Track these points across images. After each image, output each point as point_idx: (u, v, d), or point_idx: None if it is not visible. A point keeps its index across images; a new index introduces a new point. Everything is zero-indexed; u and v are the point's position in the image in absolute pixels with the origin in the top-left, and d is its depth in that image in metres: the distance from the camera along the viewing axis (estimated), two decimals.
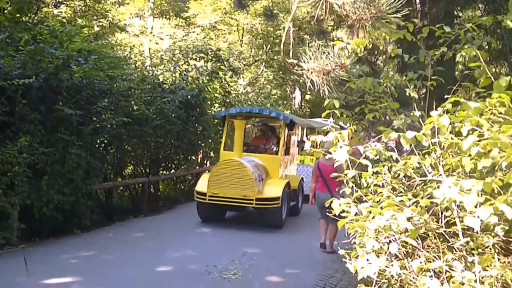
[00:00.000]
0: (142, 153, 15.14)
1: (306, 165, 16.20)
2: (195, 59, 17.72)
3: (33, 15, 13.27)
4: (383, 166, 4.13)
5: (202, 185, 11.49)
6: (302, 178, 14.07)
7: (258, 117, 14.02)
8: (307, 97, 32.35)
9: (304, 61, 4.34)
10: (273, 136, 13.74)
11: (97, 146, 12.00)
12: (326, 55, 4.10)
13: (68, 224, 10.57)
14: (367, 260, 3.20)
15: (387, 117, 4.57)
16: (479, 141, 2.87)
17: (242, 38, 26.97)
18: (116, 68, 12.58)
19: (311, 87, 4.34)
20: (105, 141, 12.55)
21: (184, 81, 15.84)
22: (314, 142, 16.99)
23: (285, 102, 31.65)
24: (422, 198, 3.45)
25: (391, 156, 4.14)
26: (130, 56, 17.40)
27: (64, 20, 14.59)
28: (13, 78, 8.89)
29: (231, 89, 20.41)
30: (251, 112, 13.00)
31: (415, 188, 4.18)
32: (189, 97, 15.03)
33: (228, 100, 19.41)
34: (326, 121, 21.39)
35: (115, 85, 12.38)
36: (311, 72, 4.26)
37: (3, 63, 9.26)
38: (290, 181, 12.39)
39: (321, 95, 4.32)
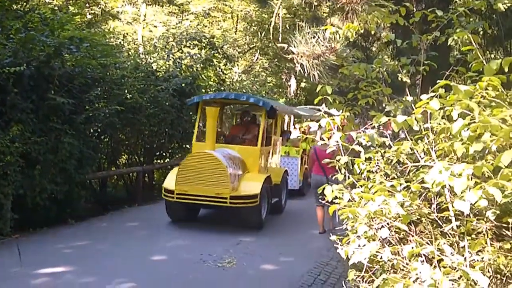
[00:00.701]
0: (136, 142, 15.14)
1: (292, 157, 15.08)
2: (189, 47, 17.67)
3: (24, 3, 13.20)
4: (376, 152, 4.15)
5: (169, 181, 10.35)
6: (286, 171, 12.85)
7: (235, 103, 13.18)
8: (303, 84, 32.29)
9: (294, 46, 4.33)
10: (254, 125, 12.46)
11: (90, 135, 11.99)
12: (316, 39, 4.09)
13: (61, 213, 10.58)
14: (359, 245, 3.22)
15: (381, 103, 4.58)
16: (469, 124, 2.87)
17: (237, 25, 26.88)
18: (109, 56, 12.53)
19: (301, 71, 4.33)
20: (99, 130, 12.54)
21: (178, 69, 15.80)
22: (304, 130, 16.82)
23: (280, 90, 31.61)
24: (413, 183, 3.47)
25: (384, 142, 4.15)
26: (123, 44, 17.33)
27: (56, 8, 14.49)
28: (4, 67, 8.85)
29: (225, 77, 20.37)
30: (227, 98, 11.63)
31: (408, 174, 4.20)
32: (183, 85, 15.01)
33: (222, 88, 19.37)
34: (314, 109, 20.02)
35: (108, 74, 12.35)
36: (301, 57, 4.26)
37: None
38: (271, 176, 11.30)
39: (311, 79, 4.31)
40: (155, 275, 7.45)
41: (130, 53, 16.32)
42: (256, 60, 28.36)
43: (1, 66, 8.89)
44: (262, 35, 26.36)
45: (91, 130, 12.05)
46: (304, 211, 12.94)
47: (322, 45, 4.08)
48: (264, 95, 26.62)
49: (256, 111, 13.37)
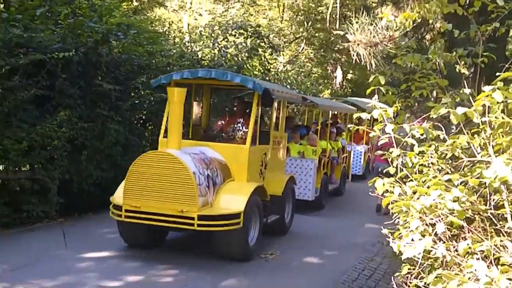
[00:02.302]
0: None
1: (307, 159, 11.93)
2: (235, 36, 17.69)
3: None
4: (429, 146, 4.08)
5: (119, 192, 7.64)
6: (291, 178, 9.91)
7: (218, 85, 9.98)
8: (349, 76, 32.01)
9: (350, 33, 4.28)
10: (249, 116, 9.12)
11: (135, 122, 12.18)
12: (374, 26, 4.04)
13: (106, 199, 10.80)
14: (412, 240, 3.19)
15: (436, 95, 4.50)
16: None
17: (283, 14, 26.78)
18: (155, 44, 12.69)
19: (357, 60, 4.29)
20: (143, 118, 12.71)
21: (223, 58, 15.86)
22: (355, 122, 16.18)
23: (326, 81, 31.42)
24: (470, 178, 3.41)
25: (438, 135, 4.08)
26: (169, 32, 17.50)
27: None
28: (53, 52, 9.07)
29: (270, 67, 20.34)
30: (204, 78, 8.65)
31: (463, 169, 4.12)
32: None
33: (267, 78, 19.36)
34: (333, 99, 17.24)
35: (153, 61, 12.50)
36: (358, 44, 4.21)
37: (43, 37, 9.44)
38: (266, 185, 8.75)
39: (368, 68, 4.26)
40: (199, 259, 7.53)
41: (175, 41, 16.47)
42: (302, 50, 28.23)
43: (50, 51, 9.10)
44: (309, 24, 26.19)
45: (136, 117, 12.23)
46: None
47: (380, 33, 4.02)
48: (308, 86, 26.51)
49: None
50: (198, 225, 7.13)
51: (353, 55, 4.57)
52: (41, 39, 9.38)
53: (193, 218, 7.12)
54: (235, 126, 9.30)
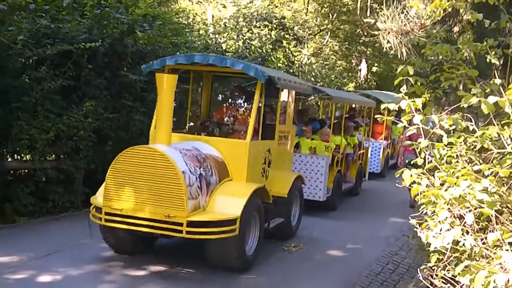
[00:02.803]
0: None
1: (319, 156, 11.01)
2: (259, 27, 17.70)
3: None
4: (458, 137, 4.06)
5: (99, 193, 6.93)
6: (299, 177, 9.10)
7: (220, 73, 9.10)
8: (374, 69, 31.76)
9: (381, 21, 4.25)
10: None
11: None
12: (405, 14, 4.00)
13: None
14: (441, 229, 3.18)
15: (465, 86, 4.45)
16: None
17: (308, 6, 26.65)
18: (179, 35, 12.75)
19: (387, 49, 4.26)
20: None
21: (247, 50, 15.88)
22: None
23: (350, 74, 31.24)
24: (500, 169, 3.38)
25: (467, 127, 4.05)
26: (193, 24, 17.56)
27: None
28: (79, 42, 9.17)
29: (294, 59, 20.30)
30: (201, 64, 7.79)
31: (492, 162, 4.09)
32: None
33: (291, 71, 19.34)
34: (352, 92, 16.59)
35: (178, 52, 12.56)
36: (388, 33, 4.17)
37: (70, 28, 9.56)
38: (270, 186, 7.96)
39: (399, 57, 4.24)
40: None
41: (200, 32, 16.53)
42: (326, 42, 28.10)
43: (76, 42, 9.21)
44: (334, 16, 26.05)
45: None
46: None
47: (411, 21, 3.98)
48: (332, 79, 26.39)
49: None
50: (187, 232, 6.29)
51: (383, 44, 4.53)
52: (67, 30, 9.49)
53: (181, 224, 6.27)
54: (236, 118, 8.58)
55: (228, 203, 6.72)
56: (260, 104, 7.88)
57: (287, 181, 8.58)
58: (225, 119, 8.57)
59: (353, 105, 15.32)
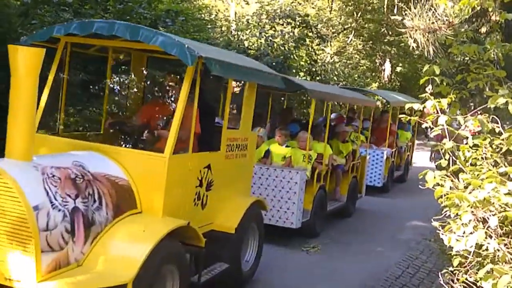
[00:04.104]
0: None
1: (292, 168, 8.62)
2: (282, 25, 17.68)
3: None
4: (484, 139, 4.02)
5: None
6: (258, 203, 6.81)
7: (150, 52, 6.59)
8: (398, 69, 31.59)
9: (408, 19, 4.22)
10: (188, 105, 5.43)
11: None
12: (433, 12, 3.97)
13: None
14: (464, 232, 3.16)
15: (492, 87, 4.41)
16: None
17: (332, 4, 26.58)
18: (202, 32, 12.78)
19: (413, 48, 4.23)
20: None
21: (270, 48, 15.87)
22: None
23: (373, 74, 31.10)
24: None
25: (493, 128, 4.01)
26: (216, 20, 17.61)
27: None
28: None
29: (317, 58, 20.25)
30: (106, 36, 5.44)
31: None
32: (274, 64, 15.06)
33: (314, 69, 19.29)
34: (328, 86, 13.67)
35: None
36: (416, 31, 4.14)
37: None
38: (202, 219, 5.76)
39: (425, 55, 4.21)
40: None
41: (222, 29, 16.57)
42: (350, 41, 27.99)
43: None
44: (358, 15, 25.93)
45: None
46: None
47: (439, 19, 3.95)
48: (356, 78, 26.29)
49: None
50: None
51: (410, 42, 4.49)
52: None
53: None
54: (160, 119, 6.10)
55: (120, 255, 4.44)
56: (191, 98, 5.34)
57: (237, 210, 6.28)
58: (156, 121, 6.07)
59: (354, 106, 13.80)
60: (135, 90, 7.15)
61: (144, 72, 7.12)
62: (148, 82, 7.52)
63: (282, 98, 13.40)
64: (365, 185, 12.15)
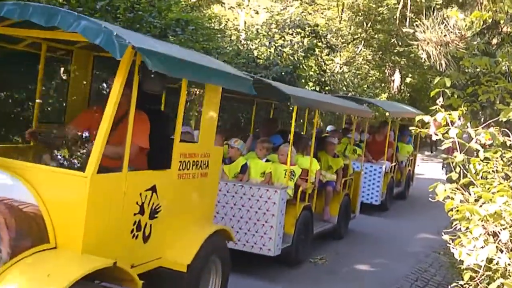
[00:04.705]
0: (232, 129, 15.44)
1: (277, 187, 7.40)
2: (292, 35, 17.73)
3: None
4: (495, 152, 4.01)
5: None
6: (220, 232, 5.65)
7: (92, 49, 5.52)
8: (408, 80, 31.57)
9: (420, 31, 4.22)
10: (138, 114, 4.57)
11: (190, 119, 12.37)
12: (445, 25, 3.97)
13: None
14: (474, 246, 3.15)
15: (504, 100, 4.42)
16: None
17: (342, 14, 26.62)
18: (211, 41, 12.84)
19: (425, 60, 4.24)
20: (196, 114, 12.89)
21: (279, 57, 15.91)
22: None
23: (383, 84, 31.08)
24: None
25: (505, 142, 4.01)
26: (225, 29, 17.67)
27: None
28: None
29: (327, 68, 20.27)
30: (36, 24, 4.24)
31: None
32: (283, 74, 15.09)
33: (323, 79, 19.31)
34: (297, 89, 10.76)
35: None
36: (427, 43, 4.14)
37: None
38: (144, 256, 4.80)
39: (438, 68, 4.21)
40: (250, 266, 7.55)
41: (231, 38, 16.63)
42: (359, 51, 28.01)
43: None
44: (368, 25, 25.96)
45: (190, 114, 12.43)
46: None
47: (451, 32, 3.95)
48: (365, 89, 26.27)
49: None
50: None
51: (421, 54, 4.49)
52: None
53: None
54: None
55: None
56: (124, 102, 4.29)
57: (192, 243, 5.14)
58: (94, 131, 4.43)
59: (352, 117, 12.39)
60: (75, 95, 5.94)
61: (89, 74, 5.97)
62: (93, 85, 6.35)
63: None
64: (359, 204, 11.00)
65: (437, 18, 4.07)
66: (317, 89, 17.96)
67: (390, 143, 13.42)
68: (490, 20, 4.05)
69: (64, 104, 6.12)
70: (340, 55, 25.66)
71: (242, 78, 5.93)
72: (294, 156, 7.98)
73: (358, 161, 11.63)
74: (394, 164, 13.74)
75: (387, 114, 13.21)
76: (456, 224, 3.88)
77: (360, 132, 12.59)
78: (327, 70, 20.25)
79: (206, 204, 5.71)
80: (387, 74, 31.47)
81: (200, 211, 5.57)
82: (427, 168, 22.48)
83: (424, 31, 4.22)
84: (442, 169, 17.96)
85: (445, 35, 4.06)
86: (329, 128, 12.32)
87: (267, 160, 7.98)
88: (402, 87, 32.59)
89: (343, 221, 9.89)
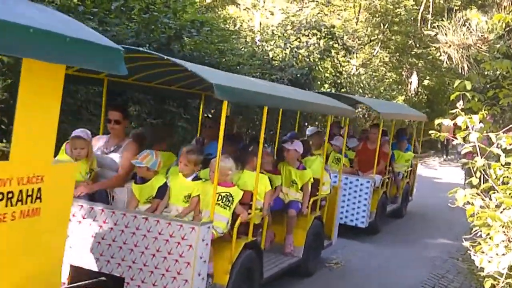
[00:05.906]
0: (247, 132, 15.44)
1: (195, 223, 4.99)
2: (307, 36, 17.71)
3: None
4: None
5: None
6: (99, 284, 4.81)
7: None
8: (426, 82, 31.38)
9: (442, 33, 4.18)
10: None
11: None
12: (467, 27, 3.94)
13: None
14: (496, 254, 3.11)
15: None
16: None
17: (358, 15, 26.54)
18: (226, 42, 12.86)
19: (447, 62, 4.20)
20: (211, 116, 12.91)
21: (295, 59, 15.90)
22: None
23: (400, 87, 30.92)
24: None
25: None
26: (240, 31, 17.71)
27: None
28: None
29: (343, 70, 20.23)
30: None
31: None
32: (298, 75, 15.08)
33: (339, 81, 19.27)
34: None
35: (224, 59, 12.67)
36: (449, 46, 4.10)
37: (117, 31, 9.75)
38: None
39: (460, 72, 4.17)
40: None
41: (247, 39, 16.65)
42: (376, 53, 27.91)
43: (123, 46, 9.36)
44: (385, 27, 25.85)
45: (205, 116, 12.44)
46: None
47: (474, 35, 3.91)
48: (381, 91, 26.16)
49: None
50: None
51: (443, 57, 4.45)
52: (115, 33, 9.67)
53: None
54: None
55: None
56: None
57: None
58: None
59: (342, 120, 11.33)
60: None
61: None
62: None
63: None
64: (337, 228, 8.66)
65: (458, 20, 4.03)
66: (333, 91, 17.92)
67: (383, 152, 10.87)
68: None
69: None
70: (356, 57, 25.58)
71: (94, 45, 3.43)
72: (232, 173, 5.82)
73: (335, 173, 9.00)
74: (387, 176, 11.37)
75: (380, 116, 10.65)
76: (476, 230, 3.85)
77: (349, 137, 10.91)
78: (343, 72, 20.21)
79: (38, 258, 3.39)
80: (404, 77, 31.31)
81: (27, 269, 3.32)
82: (444, 172, 22.33)
83: (446, 33, 4.18)
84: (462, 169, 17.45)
85: (467, 38, 4.02)
86: (309, 131, 10.57)
87: (196, 178, 5.64)
88: (420, 90, 32.42)
89: (313, 253, 7.71)
